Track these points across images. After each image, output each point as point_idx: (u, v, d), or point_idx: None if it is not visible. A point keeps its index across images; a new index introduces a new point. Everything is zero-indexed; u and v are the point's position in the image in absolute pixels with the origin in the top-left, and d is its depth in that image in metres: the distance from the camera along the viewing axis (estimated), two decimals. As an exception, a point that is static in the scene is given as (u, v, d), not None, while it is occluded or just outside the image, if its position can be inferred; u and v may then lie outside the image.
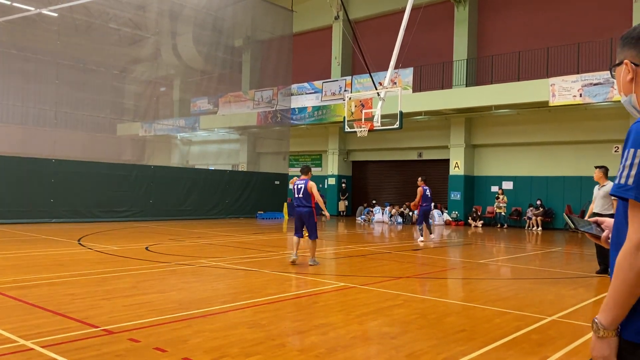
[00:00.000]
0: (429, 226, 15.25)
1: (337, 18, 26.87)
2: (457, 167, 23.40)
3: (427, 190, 14.75)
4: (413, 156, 25.76)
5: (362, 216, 24.88)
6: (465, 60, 22.70)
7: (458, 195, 23.35)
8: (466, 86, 22.10)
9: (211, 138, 31.31)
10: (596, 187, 9.53)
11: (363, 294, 7.09)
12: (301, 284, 7.74)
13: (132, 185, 20.23)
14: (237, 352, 4.38)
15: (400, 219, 23.41)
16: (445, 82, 22.79)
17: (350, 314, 5.92)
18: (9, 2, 20.65)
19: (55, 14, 21.86)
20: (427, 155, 25.34)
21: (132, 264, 9.26)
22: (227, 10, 25.84)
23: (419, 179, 14.82)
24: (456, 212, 23.27)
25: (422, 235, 14.65)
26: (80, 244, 12.14)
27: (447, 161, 23.93)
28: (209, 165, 29.19)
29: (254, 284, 7.65)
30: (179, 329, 5.09)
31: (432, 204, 14.87)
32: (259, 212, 24.15)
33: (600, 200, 9.24)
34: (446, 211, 23.69)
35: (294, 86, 27.12)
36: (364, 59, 18.68)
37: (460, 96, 21.34)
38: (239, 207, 23.99)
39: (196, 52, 26.39)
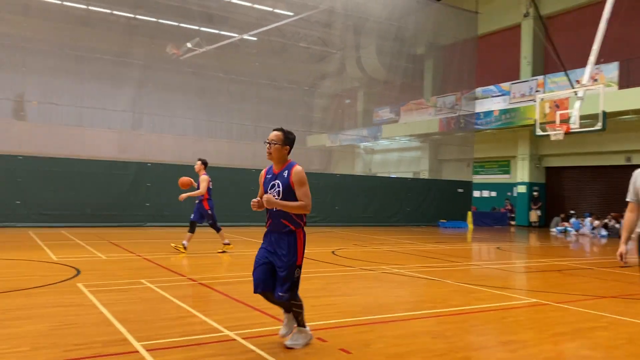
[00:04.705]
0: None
1: (526, 15, 25.24)
2: (676, 173, 20.07)
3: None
4: (620, 161, 22.80)
5: (558, 227, 22.77)
6: (686, 48, 19.47)
7: (678, 206, 20.00)
8: (688, 78, 18.91)
9: (393, 146, 31.66)
10: None
11: (558, 312, 6.47)
12: (488, 297, 7.36)
13: (320, 193, 21.34)
14: (420, 362, 4.32)
15: (603, 232, 20.88)
16: (660, 76, 19.78)
17: (543, 332, 5.44)
18: (217, 31, 23.55)
19: (255, 39, 24.32)
20: (638, 160, 22.22)
21: (321, 266, 9.77)
22: (409, 19, 25.96)
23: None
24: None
25: None
26: (274, 246, 13.18)
27: (663, 166, 20.69)
28: (391, 173, 29.53)
29: (436, 294, 7.49)
30: (363, 332, 5.20)
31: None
32: (441, 220, 23.65)
33: None
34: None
35: (479, 90, 26.08)
36: (558, 57, 17.20)
37: (681, 90, 18.31)
38: (420, 215, 23.80)
39: (379, 63, 26.98)
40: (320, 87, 28.63)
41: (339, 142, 29.76)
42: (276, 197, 4.41)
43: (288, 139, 4.54)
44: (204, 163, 10.93)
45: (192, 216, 11.02)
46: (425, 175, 28.86)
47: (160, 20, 23.09)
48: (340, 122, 29.28)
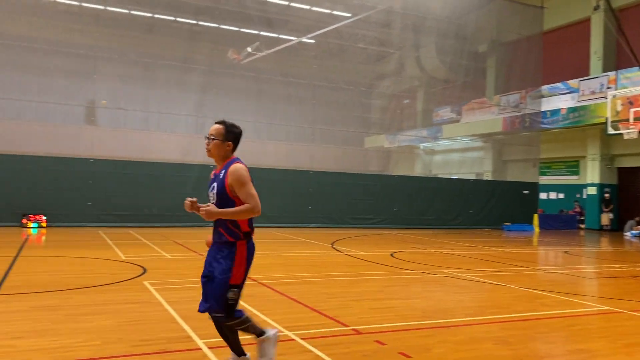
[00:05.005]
0: None
1: (597, 8, 24.03)
2: None
3: None
4: (701, 160, 21.31)
5: (633, 231, 21.50)
6: None
7: None
8: None
9: (454, 147, 30.99)
10: None
11: (633, 321, 6.09)
12: (555, 303, 7.04)
13: (378, 195, 21.26)
14: (483, 369, 4.19)
15: (683, 236, 19.53)
16: None
17: (615, 342, 5.13)
18: (276, 35, 23.91)
19: (313, 41, 24.50)
20: None
21: (379, 269, 9.69)
22: (470, 17, 25.36)
23: None
24: None
25: None
26: (333, 247, 13.22)
27: None
28: (452, 174, 28.90)
29: (500, 299, 7.24)
30: (423, 336, 5.10)
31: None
32: (505, 223, 22.90)
33: None
34: None
35: (545, 87, 25.07)
36: (631, 51, 16.28)
37: None
38: (483, 218, 23.15)
39: (439, 62, 26.49)
40: (378, 87, 28.46)
41: (398, 142, 29.43)
42: (212, 201, 3.80)
43: (231, 134, 3.84)
44: None
45: None
46: (488, 176, 28.07)
47: (222, 26, 23.69)
48: (399, 123, 28.98)
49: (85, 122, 22.25)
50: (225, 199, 3.72)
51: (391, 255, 11.84)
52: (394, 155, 29.23)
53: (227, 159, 3.86)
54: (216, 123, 3.87)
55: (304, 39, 23.96)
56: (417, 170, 30.81)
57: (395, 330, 5.27)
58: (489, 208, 23.28)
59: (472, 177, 28.29)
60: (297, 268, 9.62)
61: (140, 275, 8.04)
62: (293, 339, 4.80)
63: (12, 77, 19.96)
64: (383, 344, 4.74)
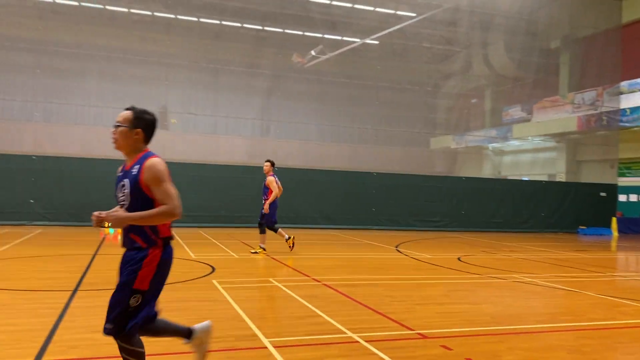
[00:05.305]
0: None
1: (681, -3, 22.47)
2: None
3: None
4: None
5: None
6: None
7: None
8: None
9: (524, 147, 29.88)
10: None
11: None
12: (636, 312, 6.61)
13: (444, 196, 20.82)
14: (556, 379, 3.99)
15: None
16: None
17: None
18: (339, 37, 24.01)
19: (376, 42, 24.39)
20: None
21: (445, 272, 9.48)
22: (540, 13, 24.40)
23: None
24: None
25: None
26: (397, 250, 13.08)
27: None
28: (522, 176, 27.85)
29: (575, 306, 6.89)
30: (491, 343, 4.94)
31: None
32: (580, 227, 21.78)
33: None
34: None
35: (624, 83, 23.67)
36: None
37: None
38: (556, 221, 22.13)
39: (508, 59, 25.66)
40: (443, 87, 27.93)
41: (465, 143, 28.74)
42: (124, 202, 3.19)
43: (140, 120, 3.29)
44: (273, 164, 11.16)
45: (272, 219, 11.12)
46: (562, 177, 26.83)
47: (286, 31, 24.07)
48: (466, 123, 28.30)
49: (158, 126, 23.27)
50: (141, 198, 3.15)
51: (458, 259, 11.55)
52: (460, 156, 28.60)
53: (139, 152, 3.31)
54: (125, 109, 3.34)
55: (368, 40, 23.91)
56: (486, 172, 29.96)
57: (462, 336, 5.13)
58: (562, 211, 22.23)
59: (544, 178, 27.15)
60: (361, 270, 9.59)
61: (209, 274, 8.28)
62: (357, 341, 4.78)
63: (90, 85, 21.20)
64: (449, 349, 4.63)
